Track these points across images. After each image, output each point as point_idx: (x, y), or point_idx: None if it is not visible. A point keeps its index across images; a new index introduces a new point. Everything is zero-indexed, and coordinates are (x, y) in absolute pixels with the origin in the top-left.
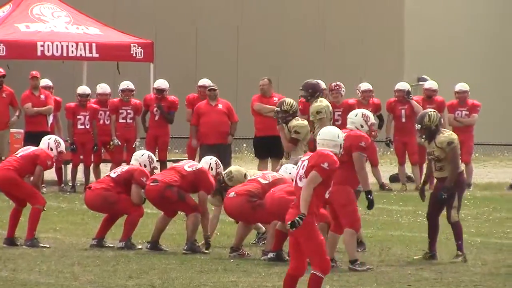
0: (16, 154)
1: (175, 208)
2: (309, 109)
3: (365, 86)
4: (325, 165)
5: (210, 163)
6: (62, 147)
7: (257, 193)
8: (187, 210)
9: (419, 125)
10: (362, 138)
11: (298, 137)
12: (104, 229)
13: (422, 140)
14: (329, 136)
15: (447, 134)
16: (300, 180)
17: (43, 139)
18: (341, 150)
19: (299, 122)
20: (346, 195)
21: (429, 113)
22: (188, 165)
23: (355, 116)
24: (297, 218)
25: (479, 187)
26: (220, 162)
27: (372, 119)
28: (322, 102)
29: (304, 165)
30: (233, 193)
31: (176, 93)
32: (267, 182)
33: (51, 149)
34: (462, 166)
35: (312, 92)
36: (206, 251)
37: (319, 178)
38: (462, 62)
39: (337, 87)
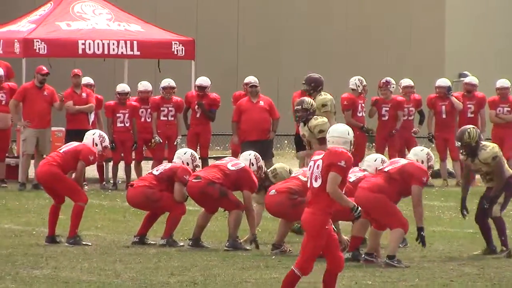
0: (60, 150)
1: (217, 205)
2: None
3: (406, 82)
4: (342, 163)
5: (250, 159)
6: (107, 142)
7: (298, 190)
8: (229, 206)
9: (459, 142)
10: (422, 172)
11: (324, 135)
12: (146, 227)
13: (464, 157)
14: (339, 133)
15: (489, 150)
16: (316, 180)
17: (86, 134)
18: (352, 147)
19: (318, 120)
20: (384, 204)
21: (469, 130)
22: (231, 164)
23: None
24: (355, 214)
25: None
26: (259, 157)
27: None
28: (327, 95)
29: (318, 164)
30: (273, 190)
31: (217, 90)
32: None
33: (96, 145)
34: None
35: (315, 86)
36: (248, 248)
37: (339, 177)
38: (504, 58)
39: (386, 83)
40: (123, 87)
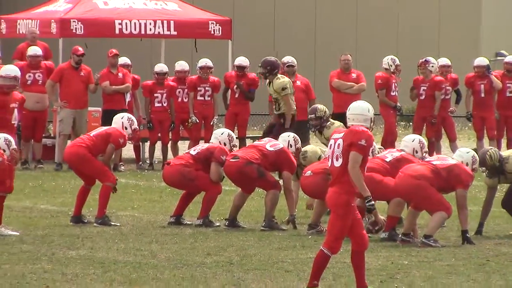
0: (90, 134)
1: (254, 185)
2: (271, 86)
3: (443, 61)
4: (363, 142)
5: (289, 140)
6: (135, 124)
7: None
8: (266, 186)
9: (484, 168)
10: (468, 176)
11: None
12: (182, 207)
13: (492, 181)
14: (360, 111)
15: (510, 160)
16: (337, 160)
17: (115, 118)
18: (372, 124)
19: (331, 128)
20: (426, 191)
21: (488, 153)
22: (270, 145)
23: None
24: (368, 205)
25: None
26: (298, 139)
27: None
28: (284, 78)
29: (339, 143)
30: (309, 171)
31: (254, 70)
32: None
33: (126, 128)
34: None
35: (271, 69)
36: (284, 228)
37: (360, 156)
38: None
39: (426, 62)
40: (161, 67)
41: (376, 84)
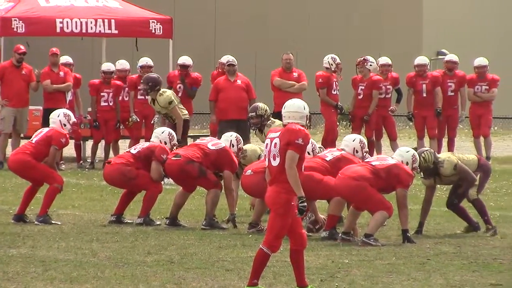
0: (31, 140)
1: (196, 184)
2: (157, 104)
3: (384, 60)
4: (300, 140)
5: (231, 140)
6: (73, 118)
7: None
8: (207, 185)
9: (419, 169)
10: (408, 175)
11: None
12: (122, 205)
13: (428, 181)
14: (295, 108)
15: (446, 164)
16: (274, 159)
17: (51, 117)
18: (308, 121)
19: (272, 127)
20: (366, 191)
21: (423, 155)
22: (212, 143)
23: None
24: (300, 205)
25: (498, 160)
26: (241, 138)
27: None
28: (166, 91)
29: (275, 142)
30: (250, 171)
31: (194, 69)
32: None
33: (64, 125)
34: (482, 141)
35: (152, 85)
36: (224, 227)
37: (297, 155)
38: (481, 35)
39: (364, 61)
40: (108, 66)
41: (316, 83)
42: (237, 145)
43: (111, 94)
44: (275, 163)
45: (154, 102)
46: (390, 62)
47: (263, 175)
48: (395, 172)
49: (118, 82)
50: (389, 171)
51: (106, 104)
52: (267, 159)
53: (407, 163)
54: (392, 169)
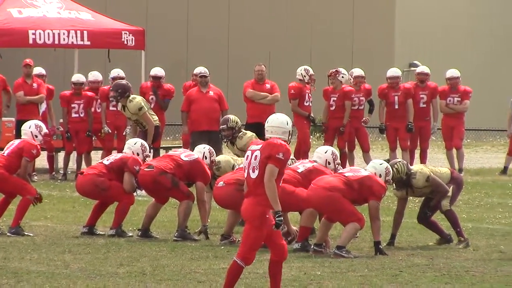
0: (3, 153)
1: (168, 195)
2: (127, 110)
3: (357, 72)
4: (280, 155)
5: (204, 152)
6: (44, 129)
7: None
8: (180, 197)
9: (391, 180)
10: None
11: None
12: (94, 217)
13: (400, 192)
14: (278, 123)
15: (419, 175)
16: (253, 171)
17: (23, 129)
18: (290, 137)
19: (243, 139)
20: (338, 202)
21: (396, 166)
22: (185, 155)
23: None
24: (277, 219)
25: (471, 172)
26: (213, 151)
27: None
28: (135, 98)
29: (256, 155)
30: (222, 182)
31: (166, 80)
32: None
33: (36, 136)
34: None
35: (122, 92)
36: (197, 238)
37: (276, 169)
38: (453, 47)
39: (336, 72)
40: (78, 77)
41: (289, 94)
42: (210, 157)
43: (81, 106)
44: (253, 175)
45: (124, 108)
46: (363, 73)
47: (235, 187)
48: (368, 184)
49: (89, 93)
50: (362, 182)
51: (77, 115)
52: (246, 171)
53: (380, 176)
54: (365, 180)
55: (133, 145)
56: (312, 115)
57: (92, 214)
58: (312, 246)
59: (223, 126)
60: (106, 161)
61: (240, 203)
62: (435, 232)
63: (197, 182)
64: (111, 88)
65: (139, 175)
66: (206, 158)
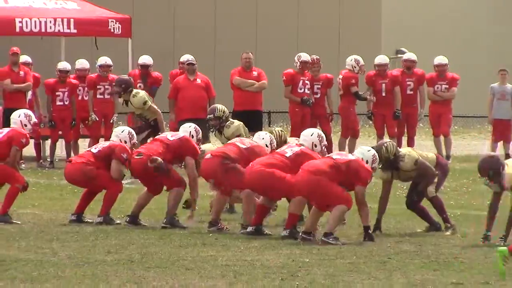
0: None
1: (159, 181)
2: (130, 105)
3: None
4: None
5: (190, 131)
6: (34, 118)
7: (233, 156)
8: (170, 184)
9: (379, 160)
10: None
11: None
12: (83, 205)
13: (386, 175)
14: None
15: (407, 158)
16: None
17: (12, 118)
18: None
19: (231, 128)
20: (325, 185)
21: (385, 144)
22: (171, 135)
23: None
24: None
25: (458, 159)
26: (199, 129)
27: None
28: (139, 92)
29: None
30: (209, 154)
31: (154, 68)
32: (244, 146)
33: (25, 125)
34: (442, 140)
35: (125, 87)
36: (185, 226)
37: None
38: (440, 34)
39: (317, 60)
40: (64, 65)
41: (283, 81)
42: (197, 136)
43: (66, 94)
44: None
45: (127, 103)
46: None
47: (220, 159)
48: (355, 167)
49: (74, 81)
50: (349, 165)
51: (61, 103)
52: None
53: (367, 162)
54: (352, 163)
55: (121, 133)
56: (304, 97)
57: (80, 202)
58: (300, 234)
59: (210, 116)
60: (94, 149)
61: (222, 176)
62: (424, 220)
63: (186, 157)
64: (114, 84)
65: (131, 163)
66: (193, 136)
